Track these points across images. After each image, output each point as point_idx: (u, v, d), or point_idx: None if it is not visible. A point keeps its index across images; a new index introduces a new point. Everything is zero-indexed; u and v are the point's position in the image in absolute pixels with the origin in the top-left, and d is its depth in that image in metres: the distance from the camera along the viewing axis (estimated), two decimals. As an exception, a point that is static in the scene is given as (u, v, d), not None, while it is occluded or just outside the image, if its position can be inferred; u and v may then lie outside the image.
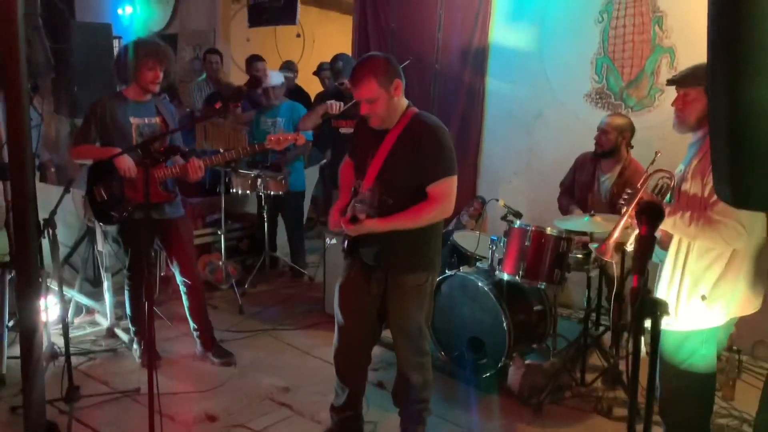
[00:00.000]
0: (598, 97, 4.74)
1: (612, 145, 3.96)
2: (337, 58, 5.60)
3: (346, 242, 2.81)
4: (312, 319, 4.67)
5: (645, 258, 1.26)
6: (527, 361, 3.65)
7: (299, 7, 6.86)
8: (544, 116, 5.02)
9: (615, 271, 3.32)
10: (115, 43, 8.38)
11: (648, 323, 1.25)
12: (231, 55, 8.13)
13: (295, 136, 3.77)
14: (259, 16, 7.27)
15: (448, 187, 2.61)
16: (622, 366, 3.69)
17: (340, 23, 8.70)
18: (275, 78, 5.33)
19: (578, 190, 4.24)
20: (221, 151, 4.99)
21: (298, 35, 7.95)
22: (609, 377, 3.71)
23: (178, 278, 3.86)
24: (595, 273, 3.86)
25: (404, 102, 2.71)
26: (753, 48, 0.85)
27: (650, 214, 1.31)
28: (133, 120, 3.61)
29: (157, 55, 3.57)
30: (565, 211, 4.27)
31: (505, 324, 3.55)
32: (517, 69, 5.14)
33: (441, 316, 3.90)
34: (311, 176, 6.14)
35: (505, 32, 5.18)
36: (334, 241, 4.42)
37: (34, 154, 3.46)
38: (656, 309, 1.26)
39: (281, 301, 5.11)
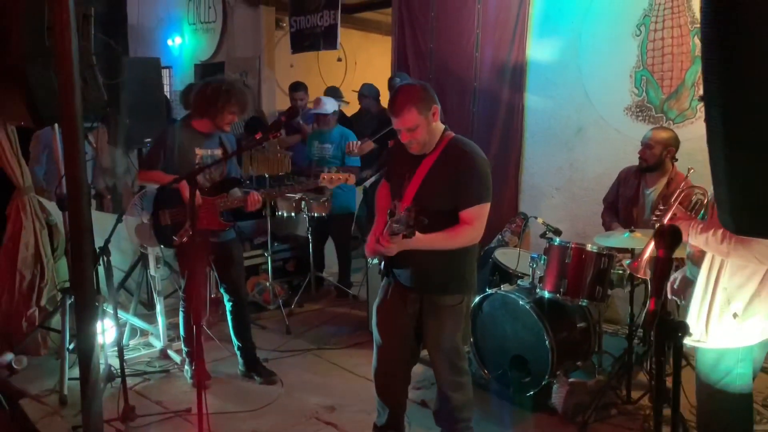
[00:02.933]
0: (638, 110, 4.70)
1: (657, 159, 3.92)
2: (394, 75, 5.78)
3: (382, 263, 2.88)
4: (357, 338, 4.74)
5: (663, 280, 1.28)
6: (571, 379, 3.63)
7: (339, 31, 7.03)
8: (585, 131, 5.00)
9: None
10: (165, 73, 8.77)
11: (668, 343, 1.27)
12: (276, 81, 8.37)
13: (347, 176, 3.93)
14: (301, 42, 7.47)
15: (481, 213, 2.67)
16: (670, 383, 3.62)
17: (381, 45, 8.84)
18: (329, 105, 5.50)
19: (623, 205, 4.20)
20: (266, 176, 5.15)
21: (339, 59, 8.12)
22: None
23: (225, 298, 4.00)
24: (639, 288, 3.81)
25: (441, 126, 2.77)
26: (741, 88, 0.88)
27: (668, 237, 1.33)
28: (197, 151, 3.78)
29: (244, 105, 3.78)
30: (608, 227, 4.24)
31: (547, 342, 3.54)
32: (555, 85, 5.14)
33: (483, 335, 3.92)
34: (356, 198, 6.25)
35: (542, 48, 5.19)
36: (375, 261, 4.49)
37: (90, 185, 3.66)
38: (677, 331, 1.28)
39: (327, 320, 5.20)
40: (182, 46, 9.34)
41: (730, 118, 0.92)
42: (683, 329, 1.27)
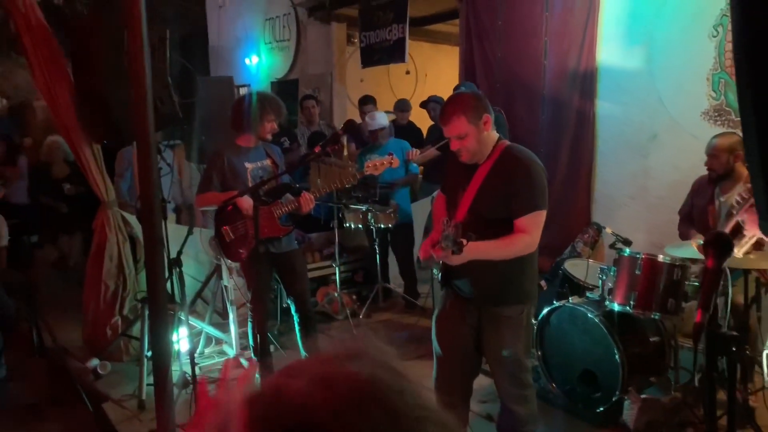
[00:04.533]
0: (716, 114, 4.47)
1: (725, 166, 3.72)
2: (459, 85, 5.77)
3: (440, 274, 2.87)
4: (424, 349, 4.69)
5: (712, 292, 1.21)
6: (644, 396, 3.47)
7: (408, 44, 7.08)
8: (659, 137, 4.81)
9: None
10: (242, 90, 9.11)
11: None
12: (347, 95, 8.53)
13: (389, 159, 3.90)
14: (371, 57, 7.59)
15: (536, 221, 2.61)
16: (752, 401, 3.41)
17: (450, 56, 8.83)
18: (381, 119, 5.56)
19: (697, 215, 4.01)
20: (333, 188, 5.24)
21: (408, 72, 8.18)
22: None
23: (293, 309, 4.10)
24: (720, 300, 3.61)
25: (494, 135, 2.75)
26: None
27: (718, 247, 1.26)
28: (247, 165, 3.93)
29: (279, 110, 3.92)
30: (684, 237, 4.05)
31: (617, 356, 3.41)
32: (627, 90, 4.98)
33: (551, 349, 3.83)
34: (425, 208, 6.25)
35: (613, 54, 5.05)
36: (436, 272, 4.48)
37: (166, 200, 3.84)
38: (729, 344, 1.21)
39: (394, 330, 5.21)
40: (259, 64, 9.68)
41: (763, 102, 0.87)
42: (736, 342, 1.20)
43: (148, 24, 3.03)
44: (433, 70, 9.21)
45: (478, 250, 2.57)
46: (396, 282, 5.86)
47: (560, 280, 4.34)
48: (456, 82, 6.40)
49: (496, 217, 2.64)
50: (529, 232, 2.61)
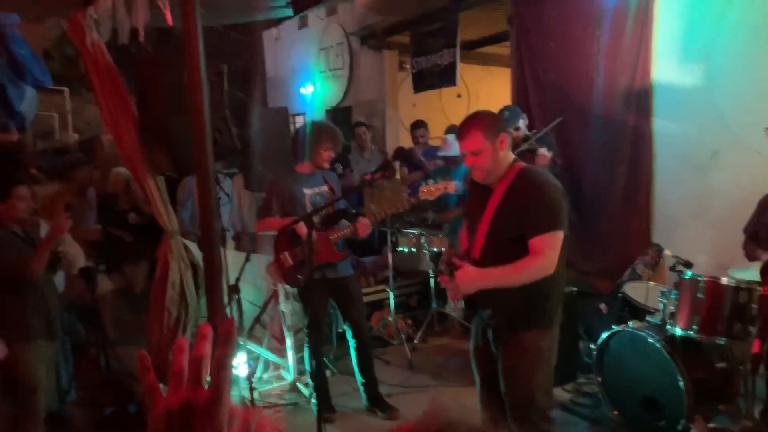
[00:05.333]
0: (782, 129, 4.30)
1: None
2: (504, 108, 5.75)
3: (464, 302, 2.76)
4: (480, 374, 4.67)
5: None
6: (712, 425, 3.33)
7: (459, 68, 7.12)
8: (720, 154, 4.65)
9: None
10: (298, 119, 9.33)
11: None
12: (399, 120, 8.62)
13: (445, 185, 3.90)
14: (422, 82, 7.66)
15: (550, 242, 2.51)
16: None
17: (502, 78, 8.81)
18: (456, 147, 5.58)
19: (765, 234, 3.85)
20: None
21: (459, 95, 8.20)
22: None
23: (348, 335, 4.14)
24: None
25: (510, 156, 2.71)
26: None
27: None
28: (306, 191, 4.03)
29: (335, 138, 4.03)
30: (752, 256, 3.89)
31: (681, 383, 3.29)
32: (685, 107, 4.85)
33: (611, 374, 3.73)
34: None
35: (669, 71, 4.94)
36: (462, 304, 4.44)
37: (225, 228, 3.97)
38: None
39: (450, 356, 5.17)
40: (314, 93, 9.90)
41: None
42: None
43: (208, 59, 3.17)
44: (485, 92, 9.20)
45: (486, 277, 2.53)
46: (451, 306, 5.82)
47: (620, 304, 4.23)
48: (508, 103, 6.38)
49: (513, 242, 2.56)
50: (543, 254, 2.50)
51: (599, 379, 3.78)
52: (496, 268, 2.55)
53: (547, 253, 2.51)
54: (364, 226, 3.92)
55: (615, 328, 3.71)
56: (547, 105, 5.80)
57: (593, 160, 5.37)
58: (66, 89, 11.08)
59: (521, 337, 2.61)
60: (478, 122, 2.66)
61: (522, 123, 5.08)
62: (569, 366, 4.23)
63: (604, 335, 3.74)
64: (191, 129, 3.20)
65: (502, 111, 5.54)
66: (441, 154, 5.74)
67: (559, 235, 2.54)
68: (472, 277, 2.56)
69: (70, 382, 4.51)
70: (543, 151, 4.51)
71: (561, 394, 4.16)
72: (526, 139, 4.78)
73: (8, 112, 8.49)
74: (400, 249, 5.33)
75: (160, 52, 4.52)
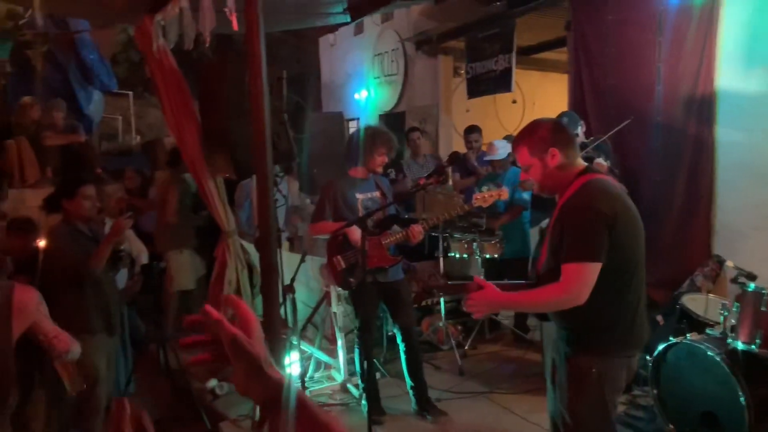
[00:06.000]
0: None
1: None
2: (562, 114, 5.69)
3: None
4: (531, 383, 4.62)
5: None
6: (775, 443, 3.22)
7: (515, 74, 7.08)
8: (788, 164, 4.49)
9: None
10: (352, 124, 9.44)
11: None
12: (453, 125, 8.62)
13: (498, 191, 3.88)
14: (477, 88, 7.65)
15: (577, 272, 2.32)
16: None
17: (559, 84, 8.72)
18: (502, 150, 5.57)
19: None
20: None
21: (514, 101, 8.15)
22: None
23: (398, 339, 4.16)
24: None
25: (573, 170, 2.50)
26: None
27: None
28: (358, 196, 4.08)
29: (389, 144, 4.07)
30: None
31: (743, 398, 3.19)
32: (751, 115, 4.69)
33: (668, 387, 3.64)
34: (533, 238, 6.16)
35: (734, 78, 4.79)
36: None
37: (281, 229, 4.06)
38: None
39: (501, 363, 5.14)
40: (368, 98, 10.00)
41: None
42: None
43: (267, 65, 3.26)
44: (541, 99, 9.11)
45: (504, 301, 2.46)
46: (504, 314, 5.78)
47: (678, 315, 4.12)
48: (565, 110, 6.30)
49: (554, 257, 2.42)
50: (567, 284, 2.33)
51: (655, 392, 3.69)
52: (517, 293, 2.47)
53: (571, 284, 2.32)
54: (417, 232, 3.95)
55: (672, 339, 3.62)
56: (605, 112, 5.70)
57: (652, 168, 5.25)
58: (130, 93, 11.52)
59: (569, 359, 2.48)
60: (524, 137, 2.56)
61: (580, 130, 5.02)
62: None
63: (661, 347, 3.65)
64: (251, 133, 3.29)
65: (560, 116, 5.49)
66: (487, 158, 5.73)
67: (590, 268, 2.30)
68: (489, 300, 2.44)
69: (129, 375, 4.68)
70: (599, 160, 4.44)
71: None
72: (583, 147, 4.72)
73: (77, 114, 8.88)
74: (451, 254, 5.33)
75: (221, 58, 4.65)
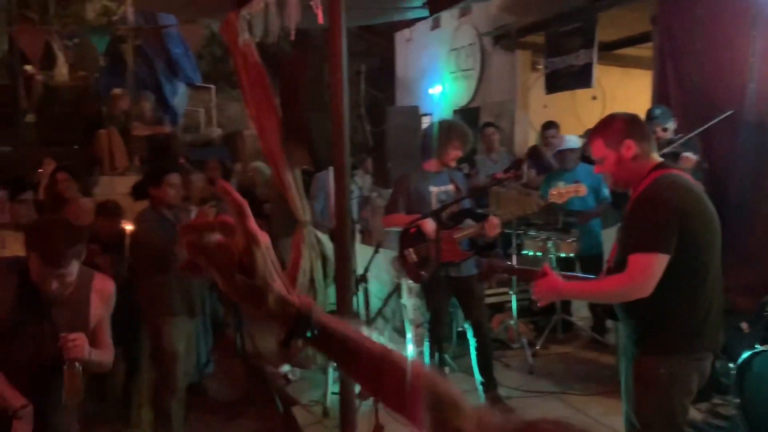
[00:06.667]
0: None
1: None
2: (655, 107, 5.51)
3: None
4: (605, 386, 4.50)
5: None
6: None
7: (595, 69, 6.89)
8: None
9: None
10: (425, 119, 9.44)
11: None
12: (529, 121, 8.48)
13: (575, 187, 3.79)
14: (555, 83, 7.49)
15: (642, 263, 2.28)
16: None
17: (641, 80, 8.43)
18: (570, 141, 5.45)
19: None
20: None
21: (594, 98, 7.93)
22: None
23: (469, 334, 4.16)
24: None
25: (648, 164, 2.46)
26: None
27: None
28: (432, 189, 4.09)
29: (464, 138, 4.06)
30: None
31: (835, 413, 3.02)
32: None
33: (753, 397, 3.47)
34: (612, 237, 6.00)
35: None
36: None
37: (355, 221, 4.13)
38: None
39: (573, 364, 5.04)
40: (442, 93, 9.97)
41: None
42: None
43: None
44: (623, 95, 8.82)
45: (566, 289, 2.44)
46: (578, 314, 5.66)
47: (765, 323, 3.92)
48: (648, 106, 6.09)
49: (624, 251, 2.38)
50: (632, 275, 2.28)
51: (738, 401, 3.53)
52: (581, 282, 2.47)
53: (636, 274, 2.29)
54: (494, 226, 3.90)
55: (759, 348, 3.45)
56: (692, 109, 5.47)
57: (741, 168, 5.01)
58: (213, 87, 11.93)
59: (638, 360, 2.43)
60: (599, 129, 2.55)
61: (671, 125, 4.84)
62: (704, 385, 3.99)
63: (746, 355, 3.49)
64: (329, 125, 3.35)
65: (652, 109, 5.29)
66: (560, 149, 5.54)
67: (656, 259, 2.26)
68: (552, 287, 2.46)
69: (208, 357, 4.88)
70: (688, 154, 4.28)
71: (693, 414, 3.93)
72: (670, 142, 4.56)
73: (163, 106, 9.29)
74: (525, 252, 5.26)
75: (301, 53, 4.76)
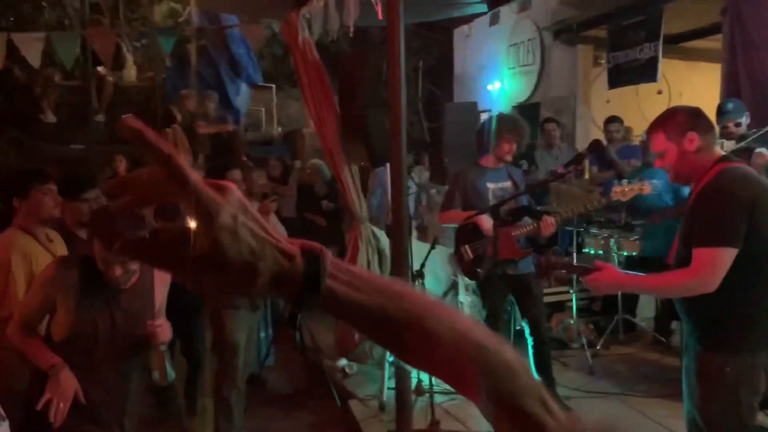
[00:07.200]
0: None
1: None
2: (728, 100, 5.31)
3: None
4: (668, 388, 4.36)
5: None
6: None
7: (661, 63, 6.69)
8: None
9: None
10: (483, 116, 9.36)
11: None
12: (591, 117, 8.29)
13: (640, 185, 3.68)
14: (619, 78, 7.31)
15: (708, 257, 2.20)
16: None
17: (708, 74, 8.12)
18: None
19: None
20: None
21: (660, 92, 7.68)
22: None
23: (526, 332, 4.10)
24: None
25: (711, 157, 2.38)
26: None
27: None
28: (489, 185, 4.05)
29: (516, 130, 4.01)
30: None
31: None
32: None
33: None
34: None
35: None
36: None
37: (412, 217, 4.15)
38: None
39: (636, 366, 4.91)
40: (501, 89, 9.86)
41: None
42: None
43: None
44: (689, 90, 8.51)
45: (624, 282, 2.42)
46: (642, 315, 5.51)
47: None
48: (716, 101, 5.87)
49: (688, 245, 2.30)
50: (698, 269, 2.21)
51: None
52: (640, 276, 2.43)
53: (702, 269, 2.22)
54: (548, 225, 3.85)
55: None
56: (764, 103, 5.24)
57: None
58: (273, 86, 12.16)
59: (701, 357, 2.35)
60: (661, 121, 2.47)
61: (745, 119, 4.65)
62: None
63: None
64: (387, 122, 3.38)
65: (724, 103, 5.09)
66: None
67: (723, 253, 2.19)
68: (609, 279, 2.42)
69: (268, 349, 4.99)
70: (762, 150, 4.10)
71: (763, 419, 3.77)
72: (742, 137, 4.38)
73: (226, 105, 9.54)
74: (586, 251, 5.15)
75: (358, 51, 4.81)
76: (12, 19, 10.63)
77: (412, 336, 0.67)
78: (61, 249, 3.08)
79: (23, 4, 10.84)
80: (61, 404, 2.27)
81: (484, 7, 5.14)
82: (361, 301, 0.66)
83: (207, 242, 0.60)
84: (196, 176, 0.60)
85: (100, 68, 10.00)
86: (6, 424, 1.98)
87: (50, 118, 9.89)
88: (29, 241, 2.97)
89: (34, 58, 6.12)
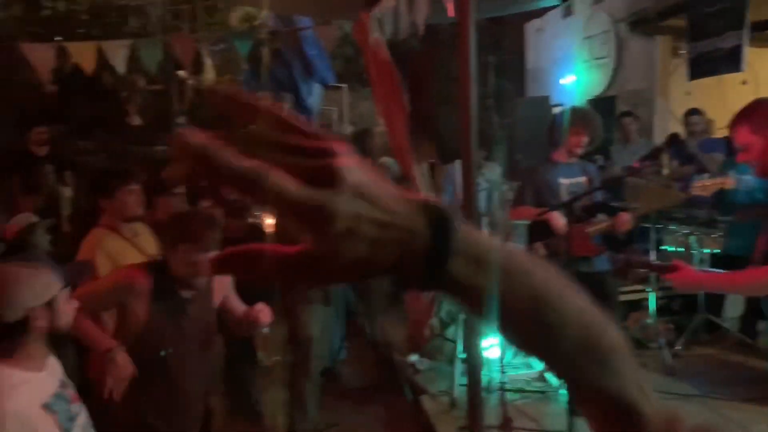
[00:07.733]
0: None
1: None
2: None
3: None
4: (755, 391, 4.18)
5: None
6: None
7: (746, 51, 6.37)
8: None
9: None
10: (555, 110, 9.17)
11: None
12: (670, 110, 7.99)
13: (722, 180, 3.53)
14: (700, 68, 6.99)
15: None
16: None
17: (800, 62, 7.68)
18: None
19: None
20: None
21: (744, 82, 7.31)
22: None
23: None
24: None
25: None
26: None
27: None
28: (562, 181, 3.99)
29: (584, 121, 3.92)
30: None
31: None
32: None
33: None
34: None
35: None
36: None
37: (483, 214, 4.13)
38: None
39: (718, 368, 4.72)
40: (575, 83, 9.63)
41: None
42: None
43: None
44: (780, 79, 8.08)
45: (706, 281, 2.36)
46: (726, 315, 5.27)
47: None
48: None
49: None
50: None
51: None
52: (719, 273, 2.36)
53: None
54: (624, 221, 3.76)
55: None
56: None
57: None
58: (344, 86, 12.34)
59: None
60: (745, 114, 2.38)
61: None
62: None
63: None
64: (457, 118, 3.38)
65: None
66: None
67: None
68: (686, 278, 2.38)
69: (341, 343, 5.10)
70: None
71: None
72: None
73: (299, 106, 9.74)
74: (664, 248, 4.98)
75: (428, 49, 4.82)
76: (99, 28, 11.23)
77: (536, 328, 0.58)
78: (147, 241, 3.23)
79: (110, 14, 11.44)
80: (120, 385, 2.32)
81: (557, 0, 5.04)
82: (482, 287, 0.54)
83: (320, 252, 0.49)
84: (293, 184, 0.48)
85: (180, 72, 10.42)
86: (84, 412, 2.05)
87: (136, 121, 10.41)
88: (114, 239, 3.07)
89: (121, 65, 6.47)
